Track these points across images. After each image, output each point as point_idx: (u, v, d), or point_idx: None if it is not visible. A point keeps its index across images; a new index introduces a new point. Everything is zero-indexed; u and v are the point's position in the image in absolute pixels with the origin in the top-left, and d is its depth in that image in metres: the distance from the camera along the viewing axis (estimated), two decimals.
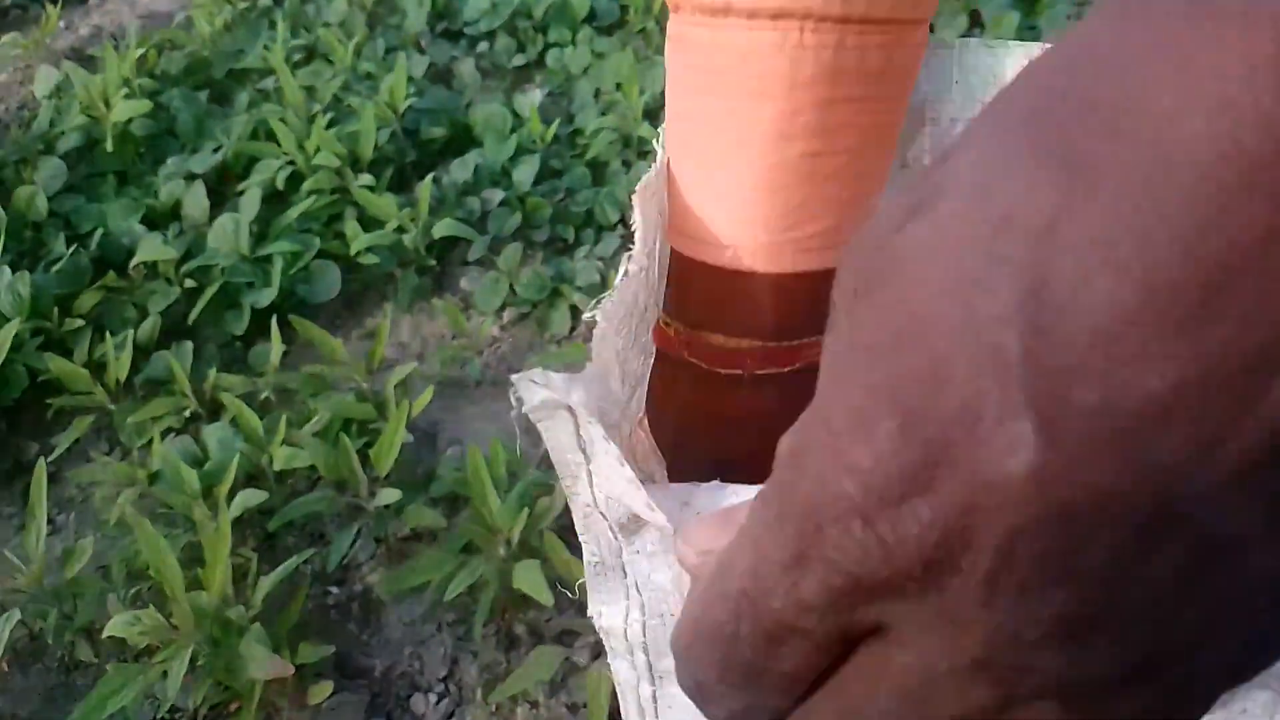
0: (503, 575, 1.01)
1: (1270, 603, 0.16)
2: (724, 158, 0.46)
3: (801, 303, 0.45)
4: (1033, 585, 0.15)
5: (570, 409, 0.36)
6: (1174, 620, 0.16)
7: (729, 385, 0.47)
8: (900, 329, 0.16)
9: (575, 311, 1.43)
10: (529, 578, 0.98)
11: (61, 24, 2.20)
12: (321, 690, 0.97)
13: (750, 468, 0.34)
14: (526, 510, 1.03)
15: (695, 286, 0.47)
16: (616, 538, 0.41)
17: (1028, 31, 1.69)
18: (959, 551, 0.15)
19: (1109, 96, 0.16)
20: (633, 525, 0.39)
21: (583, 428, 0.37)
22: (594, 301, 0.44)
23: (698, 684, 0.22)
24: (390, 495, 1.09)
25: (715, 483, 0.39)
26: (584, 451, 0.37)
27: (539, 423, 0.37)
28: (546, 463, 1.21)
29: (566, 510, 1.13)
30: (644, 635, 0.43)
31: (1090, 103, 0.16)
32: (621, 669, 0.46)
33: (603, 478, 0.37)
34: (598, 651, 1.01)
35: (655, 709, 0.47)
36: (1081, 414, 0.14)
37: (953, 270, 0.16)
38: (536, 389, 0.36)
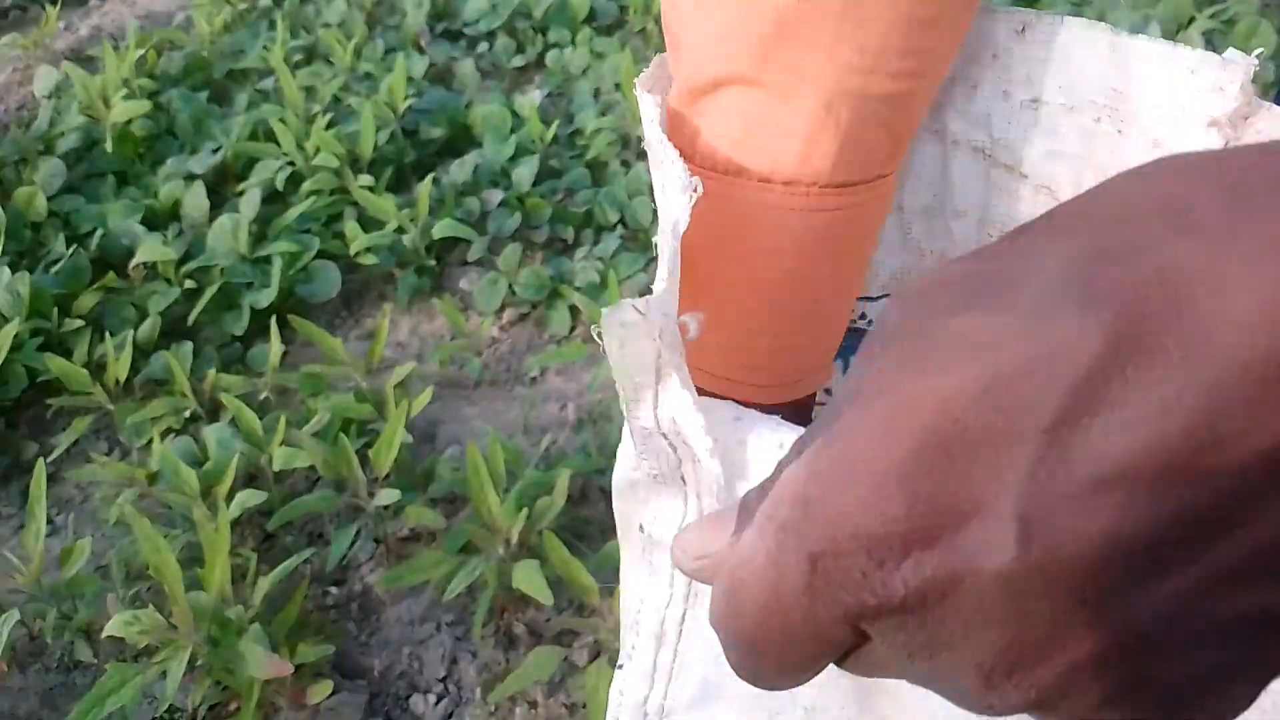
0: (502, 575, 1.02)
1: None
2: (726, 300, 0.49)
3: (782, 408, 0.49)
4: (987, 639, 0.20)
5: (658, 335, 0.38)
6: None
7: None
8: (931, 413, 0.19)
9: (575, 311, 1.43)
10: (528, 577, 0.98)
11: (61, 24, 2.20)
12: (321, 690, 0.97)
13: None
14: (526, 510, 1.03)
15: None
16: (675, 453, 0.43)
17: None
18: (943, 598, 0.20)
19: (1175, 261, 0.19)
20: (687, 450, 0.42)
21: (665, 352, 0.40)
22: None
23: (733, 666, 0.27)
24: (389, 495, 1.09)
25: (773, 418, 0.41)
26: (658, 372, 0.40)
27: (619, 342, 0.40)
28: (545, 462, 1.21)
29: (566, 510, 1.13)
30: None
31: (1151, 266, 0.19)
32: (658, 588, 0.48)
33: (670, 400, 0.40)
34: (596, 651, 1.01)
35: (680, 631, 0.49)
36: (1058, 540, 0.18)
37: (996, 378, 0.19)
38: (630, 311, 0.39)
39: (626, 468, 0.46)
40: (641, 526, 0.47)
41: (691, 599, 0.48)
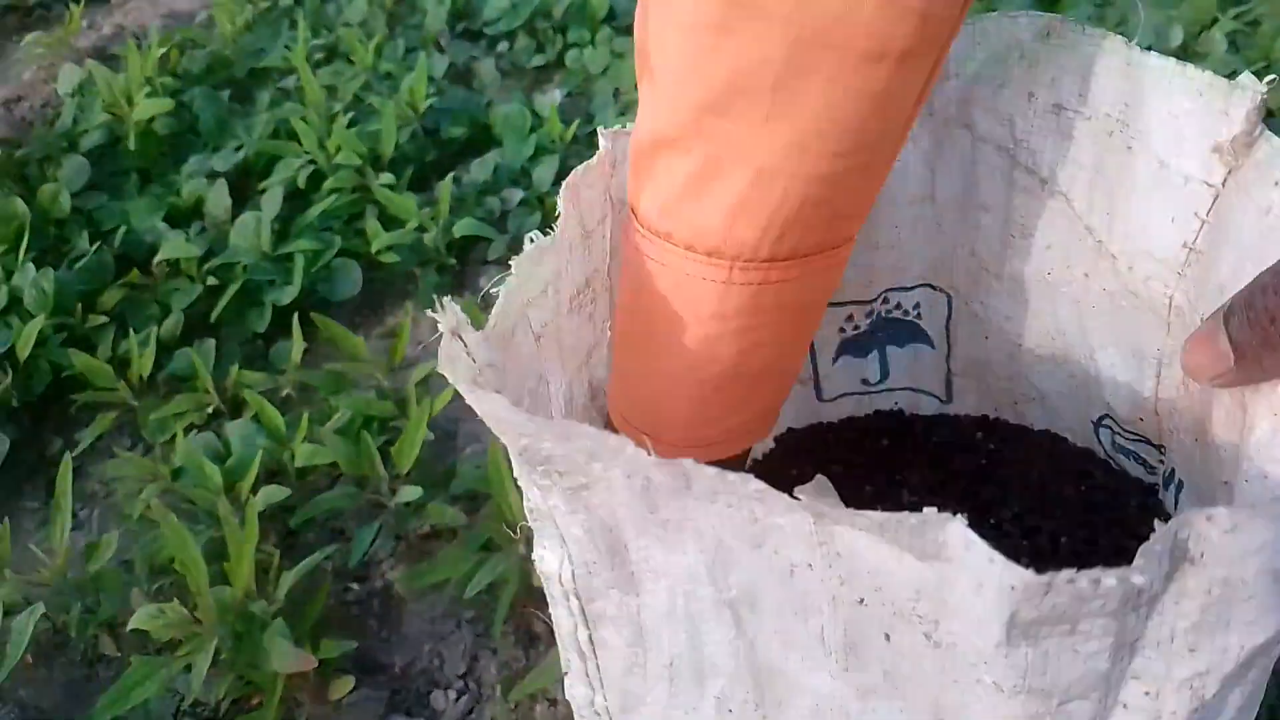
0: (522, 572, 1.02)
1: None
2: (649, 359, 0.49)
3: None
4: None
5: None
6: None
7: None
8: None
9: None
10: None
11: (84, 23, 2.22)
12: (343, 685, 0.98)
13: None
14: None
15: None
16: (537, 488, 0.44)
17: None
18: None
19: None
20: (537, 480, 0.43)
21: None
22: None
23: None
24: (411, 492, 1.10)
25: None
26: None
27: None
28: None
29: None
30: (574, 581, 0.47)
31: None
32: (562, 617, 0.50)
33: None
34: None
35: (593, 650, 0.50)
36: None
37: None
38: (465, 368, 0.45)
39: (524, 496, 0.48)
40: (537, 558, 0.49)
41: (591, 623, 0.49)
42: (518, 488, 1.03)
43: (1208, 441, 0.51)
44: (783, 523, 0.38)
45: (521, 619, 1.06)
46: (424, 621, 1.08)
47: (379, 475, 1.11)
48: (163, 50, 1.89)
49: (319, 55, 1.97)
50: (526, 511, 0.47)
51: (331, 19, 2.14)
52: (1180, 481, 0.59)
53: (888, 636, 0.39)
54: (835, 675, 0.43)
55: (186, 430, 1.26)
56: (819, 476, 0.40)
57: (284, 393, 1.31)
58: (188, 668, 0.90)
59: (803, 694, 0.45)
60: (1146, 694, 0.37)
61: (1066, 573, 0.31)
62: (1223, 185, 0.49)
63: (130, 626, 0.91)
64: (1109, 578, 0.31)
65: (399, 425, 1.21)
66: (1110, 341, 0.63)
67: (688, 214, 0.44)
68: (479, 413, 0.41)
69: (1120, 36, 0.52)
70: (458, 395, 1.37)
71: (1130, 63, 0.52)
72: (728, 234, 0.44)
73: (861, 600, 0.39)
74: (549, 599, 0.50)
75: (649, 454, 0.36)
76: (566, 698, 0.58)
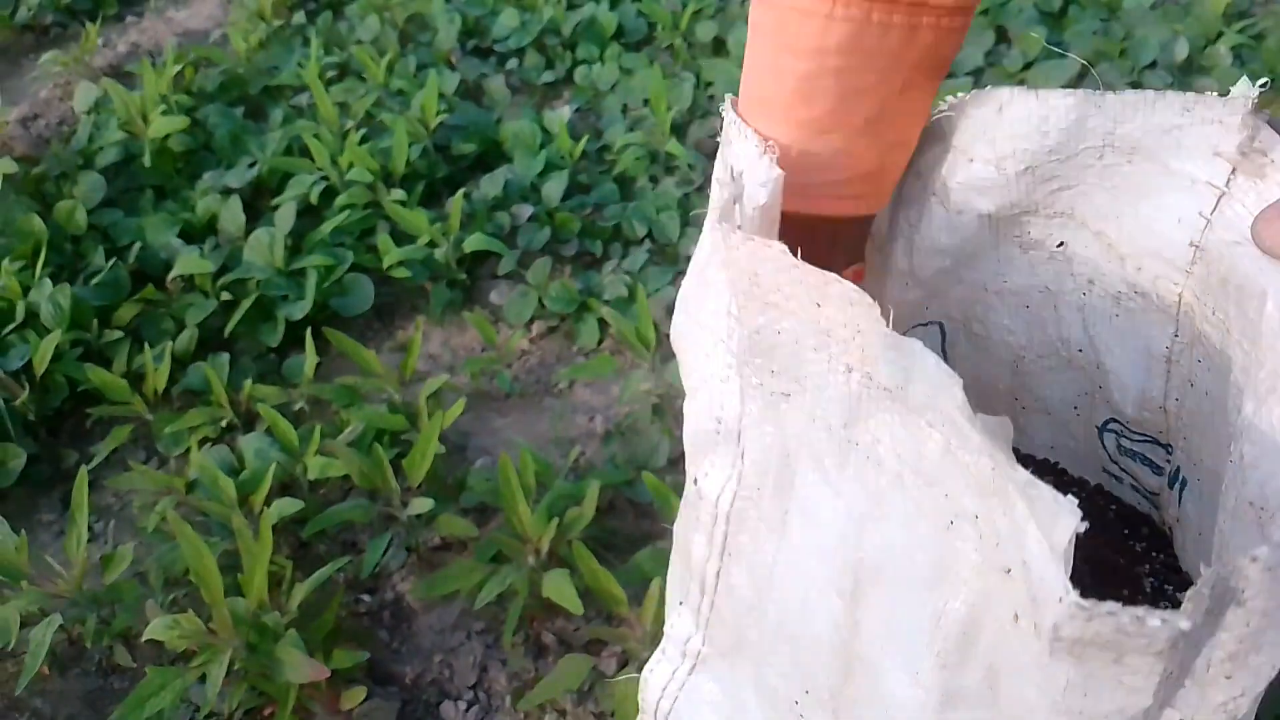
0: (532, 584, 1.03)
1: None
2: (761, 106, 0.50)
3: (821, 242, 0.52)
4: None
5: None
6: None
7: None
8: None
9: (603, 324, 1.45)
10: (558, 587, 1.00)
11: (100, 41, 2.25)
12: (355, 696, 0.99)
13: None
14: (556, 520, 1.04)
15: None
16: (742, 398, 0.46)
17: (1054, 47, 1.70)
18: None
19: None
20: (748, 378, 0.45)
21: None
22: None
23: None
24: (422, 505, 1.11)
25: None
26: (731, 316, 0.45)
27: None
28: (575, 474, 1.22)
29: (595, 520, 1.14)
30: (731, 505, 0.49)
31: None
32: (698, 545, 0.51)
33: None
34: (625, 661, 1.03)
35: (716, 585, 0.51)
36: None
37: None
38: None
39: (695, 419, 0.49)
40: (695, 480, 0.50)
41: (725, 557, 0.50)
42: (528, 503, 1.04)
43: (1217, 436, 0.52)
44: (969, 461, 0.38)
45: (531, 630, 1.07)
46: (434, 632, 1.09)
47: (391, 488, 1.13)
48: (178, 68, 1.92)
49: (332, 73, 1.99)
50: (707, 429, 0.49)
51: (344, 37, 2.16)
52: (1185, 479, 0.60)
53: (1016, 617, 0.39)
54: (927, 676, 0.43)
55: (201, 443, 1.27)
56: (1002, 417, 0.41)
57: (297, 406, 1.32)
58: (202, 678, 0.92)
59: (881, 695, 0.45)
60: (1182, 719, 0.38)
61: (1109, 604, 0.32)
62: (1226, 186, 0.51)
63: (145, 637, 0.92)
64: (1154, 619, 0.32)
65: (410, 438, 1.22)
66: (1117, 343, 0.64)
67: None
68: (737, 254, 0.43)
69: (1080, 90, 0.54)
70: (467, 408, 1.38)
71: (1101, 106, 0.53)
72: None
73: (1009, 571, 0.38)
74: (691, 523, 0.52)
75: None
76: (665, 628, 0.59)
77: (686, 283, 0.51)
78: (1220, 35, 1.91)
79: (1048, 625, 0.34)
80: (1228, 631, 0.35)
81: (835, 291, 0.41)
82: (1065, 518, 0.32)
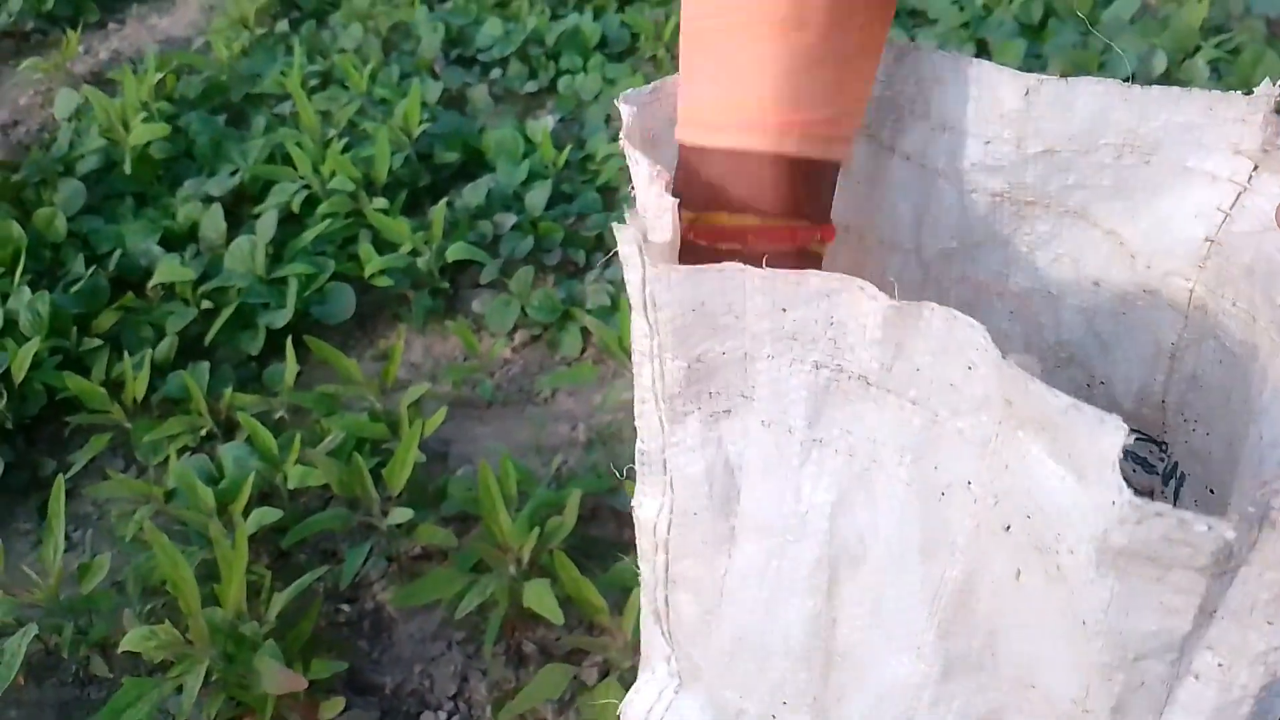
0: (513, 594, 1.03)
1: None
2: (741, 44, 0.49)
3: (801, 187, 0.49)
4: None
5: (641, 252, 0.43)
6: None
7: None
8: None
9: (586, 333, 1.45)
10: (539, 596, 0.99)
11: (81, 48, 2.24)
12: (333, 706, 0.98)
13: None
14: (537, 529, 1.04)
15: (704, 172, 0.51)
16: (664, 428, 0.45)
17: (1034, 59, 1.71)
18: None
19: None
20: (677, 408, 0.44)
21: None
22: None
23: None
24: (402, 514, 1.10)
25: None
26: (650, 325, 0.43)
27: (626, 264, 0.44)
28: (556, 482, 1.22)
29: (576, 529, 1.14)
30: (668, 532, 0.48)
31: None
32: (646, 572, 0.51)
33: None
34: (606, 670, 1.02)
35: (667, 611, 0.51)
36: None
37: None
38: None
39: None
40: (632, 508, 0.50)
41: (670, 584, 0.50)
42: (509, 512, 1.04)
43: (1231, 424, 0.52)
44: (964, 426, 0.39)
45: (511, 640, 1.07)
46: (414, 642, 1.09)
47: (371, 497, 1.12)
48: (159, 75, 1.91)
49: (314, 81, 1.99)
50: (637, 454, 0.49)
51: (327, 45, 2.16)
52: (1183, 475, 0.60)
53: (1019, 574, 0.39)
54: (926, 648, 0.44)
55: (180, 452, 1.27)
56: (1025, 356, 0.41)
57: (277, 415, 1.32)
58: (179, 688, 0.91)
59: (869, 684, 0.45)
60: (1220, 665, 0.38)
61: (1158, 504, 0.33)
62: (1248, 182, 0.52)
63: (122, 648, 0.91)
64: (1200, 524, 0.33)
65: (390, 447, 1.22)
66: (1122, 341, 0.64)
67: None
68: (677, 291, 0.43)
69: (1113, 80, 0.54)
70: (448, 416, 1.38)
71: (1129, 98, 0.54)
72: None
73: (1008, 528, 0.39)
74: (639, 553, 0.52)
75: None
76: (642, 648, 0.59)
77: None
78: (1198, 49, 1.93)
79: (1092, 539, 0.34)
80: (1274, 570, 0.36)
81: (812, 286, 0.41)
82: (1112, 432, 0.33)
